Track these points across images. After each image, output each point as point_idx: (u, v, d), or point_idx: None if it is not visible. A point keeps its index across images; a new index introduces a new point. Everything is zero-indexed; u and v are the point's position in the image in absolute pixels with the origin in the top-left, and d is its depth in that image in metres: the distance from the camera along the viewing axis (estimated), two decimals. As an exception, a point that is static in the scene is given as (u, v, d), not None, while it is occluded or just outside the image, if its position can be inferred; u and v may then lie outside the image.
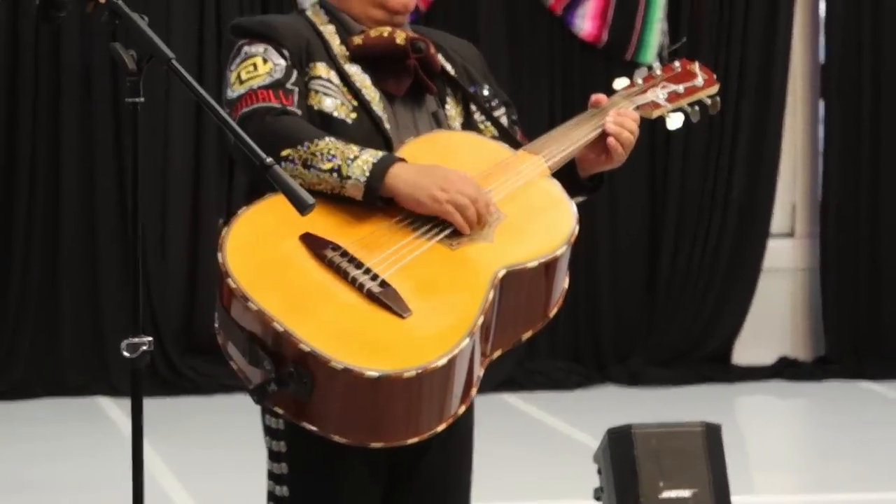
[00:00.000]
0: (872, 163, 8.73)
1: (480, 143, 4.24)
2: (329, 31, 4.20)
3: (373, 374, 3.61)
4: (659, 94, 4.44)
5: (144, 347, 3.40)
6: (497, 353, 4.02)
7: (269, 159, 3.44)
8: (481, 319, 3.79)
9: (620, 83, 4.35)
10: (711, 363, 8.63)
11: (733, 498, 5.17)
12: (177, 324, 7.99)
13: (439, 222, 4.00)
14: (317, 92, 4.10)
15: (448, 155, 3.99)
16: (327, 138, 3.83)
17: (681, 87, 4.51)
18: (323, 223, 3.92)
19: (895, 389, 8.37)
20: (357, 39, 4.18)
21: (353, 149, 3.82)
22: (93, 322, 7.92)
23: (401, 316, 3.78)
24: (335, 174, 3.81)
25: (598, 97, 4.27)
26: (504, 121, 4.29)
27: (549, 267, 4.05)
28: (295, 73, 3.99)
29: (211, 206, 7.74)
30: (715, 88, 4.43)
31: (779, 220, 8.83)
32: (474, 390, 3.95)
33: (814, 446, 7.73)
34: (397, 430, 3.85)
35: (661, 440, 5.16)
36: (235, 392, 4.18)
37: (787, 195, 8.87)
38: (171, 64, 3.43)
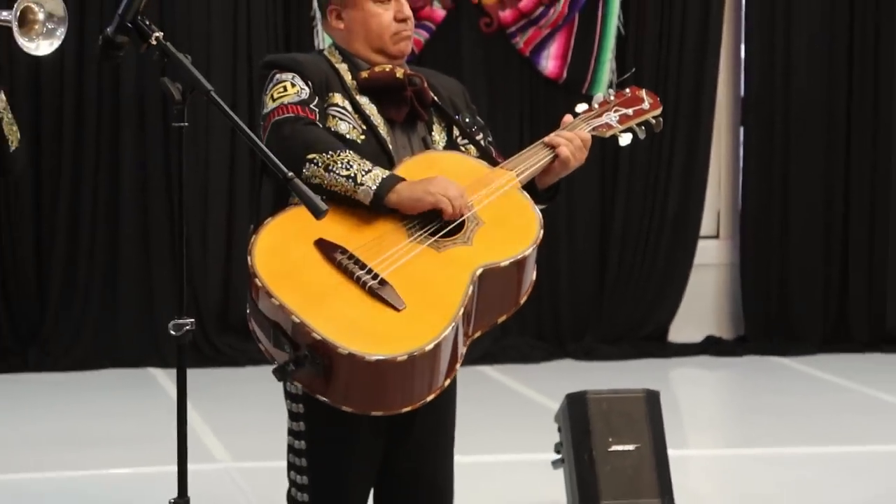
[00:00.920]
0: (782, 178, 8.73)
1: (464, 160, 4.25)
2: (343, 69, 4.25)
3: (372, 358, 3.67)
4: (612, 116, 4.49)
5: (187, 327, 3.46)
6: (478, 334, 4.07)
7: (290, 173, 3.50)
8: (462, 310, 3.82)
9: (581, 108, 4.44)
10: (651, 341, 8.62)
11: (669, 451, 5.16)
12: (215, 308, 7.98)
13: (428, 229, 4.02)
14: (333, 117, 4.16)
15: (438, 170, 3.98)
16: (348, 151, 3.88)
17: (630, 111, 4.54)
18: (333, 230, 3.93)
19: (800, 363, 8.37)
20: (364, 73, 4.22)
21: (367, 164, 3.87)
22: (146, 306, 7.93)
23: (396, 309, 3.82)
24: (351, 180, 3.86)
25: (566, 118, 4.28)
26: (482, 142, 4.29)
27: (519, 264, 4.08)
28: (317, 98, 4.02)
29: (243, 211, 7.74)
30: (659, 110, 4.48)
31: (706, 225, 8.83)
32: (458, 365, 3.96)
33: (735, 409, 7.72)
34: (393, 402, 3.88)
35: (610, 404, 5.17)
36: (263, 364, 4.18)
37: (713, 204, 8.87)
38: (210, 95, 3.44)
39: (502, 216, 4.09)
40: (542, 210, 4.16)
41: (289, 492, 4.32)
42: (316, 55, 4.33)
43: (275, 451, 4.44)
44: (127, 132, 7.95)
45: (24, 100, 7.41)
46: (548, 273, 8.17)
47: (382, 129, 4.15)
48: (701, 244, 8.79)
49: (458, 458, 4.48)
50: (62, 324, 8.01)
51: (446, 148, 4.23)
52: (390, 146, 4.11)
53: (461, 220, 4.01)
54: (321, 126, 3.98)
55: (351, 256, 3.89)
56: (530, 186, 4.20)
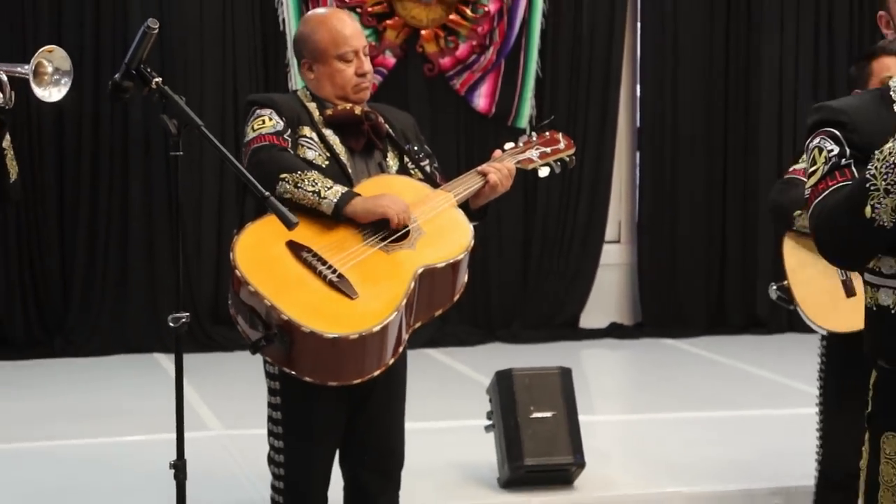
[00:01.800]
0: (671, 193, 8.78)
1: (411, 182, 4.33)
2: (312, 107, 4.30)
3: (329, 335, 3.75)
4: (533, 153, 4.54)
5: (183, 320, 3.45)
6: (419, 324, 4.19)
7: (266, 193, 3.60)
8: (405, 301, 3.92)
9: (509, 145, 4.54)
10: (565, 327, 8.61)
11: (579, 417, 5.18)
12: (208, 303, 7.97)
13: (380, 235, 4.09)
14: (302, 146, 4.23)
15: (389, 190, 4.05)
16: (314, 171, 3.93)
17: (549, 149, 4.60)
18: (301, 233, 4.05)
19: (687, 344, 8.40)
20: (329, 111, 4.26)
21: (329, 182, 3.95)
22: (151, 303, 7.91)
23: (351, 297, 3.91)
24: (316, 195, 3.95)
25: (496, 152, 4.30)
26: (428, 168, 4.40)
27: (453, 267, 4.15)
28: (289, 130, 4.08)
29: (231, 223, 7.71)
30: (572, 150, 4.54)
31: (610, 232, 8.85)
32: (402, 348, 4.10)
33: (634, 382, 7.74)
34: (348, 374, 3.96)
35: (531, 379, 5.19)
36: (248, 350, 4.21)
37: (615, 215, 8.90)
38: (200, 129, 3.47)
39: (440, 228, 4.16)
40: (475, 224, 4.25)
41: (269, 454, 4.34)
42: (291, 95, 4.39)
43: (258, 420, 4.47)
44: (134, 159, 7.93)
45: (51, 133, 7.40)
46: (481, 272, 8.18)
47: (343, 157, 4.22)
48: (605, 248, 8.81)
49: (409, 425, 4.50)
50: (82, 318, 7.96)
51: (398, 172, 4.28)
52: (350, 170, 4.19)
53: (407, 229, 4.07)
54: (292, 153, 4.03)
55: (315, 255, 4.00)
56: (465, 205, 4.27)
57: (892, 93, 2.78)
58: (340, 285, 3.91)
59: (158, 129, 3.52)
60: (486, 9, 8.32)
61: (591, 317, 8.77)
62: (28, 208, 7.69)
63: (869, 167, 2.52)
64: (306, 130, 4.15)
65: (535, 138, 4.52)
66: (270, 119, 4.12)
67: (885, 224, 2.53)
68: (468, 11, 8.31)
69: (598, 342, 8.60)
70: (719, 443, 5.82)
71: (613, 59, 8.64)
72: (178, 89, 7.67)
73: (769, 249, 8.25)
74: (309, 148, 4.13)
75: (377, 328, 3.84)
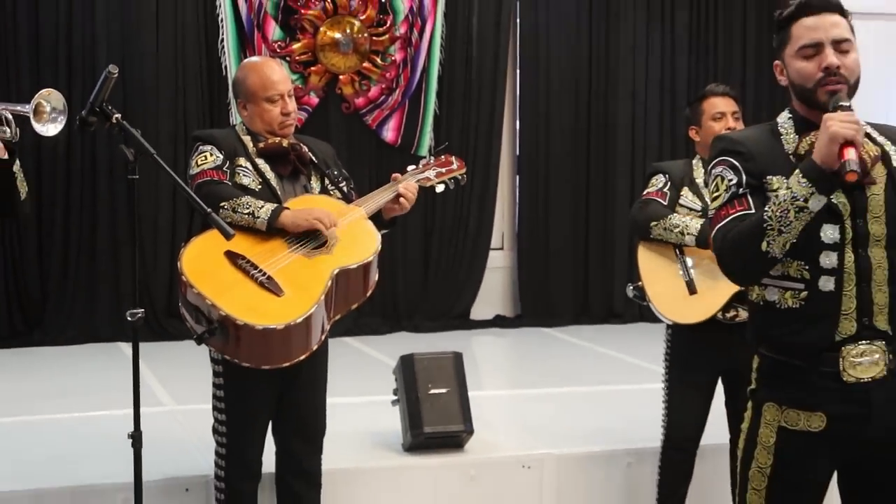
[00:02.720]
0: (544, 210, 8.80)
1: (330, 200, 4.42)
2: (247, 140, 4.30)
3: (259, 327, 3.73)
4: (431, 173, 4.55)
5: (139, 314, 3.41)
6: (337, 317, 4.21)
7: (208, 209, 3.63)
8: (324, 297, 3.96)
9: (411, 167, 4.52)
10: (458, 318, 8.59)
11: (469, 393, 5.17)
12: (161, 301, 7.87)
13: (303, 244, 4.10)
14: (239, 173, 4.23)
15: (312, 206, 4.06)
16: (246, 196, 3.95)
17: (444, 170, 4.61)
18: (237, 244, 4.06)
19: (558, 332, 8.43)
20: (261, 144, 4.25)
21: (261, 202, 3.91)
22: (115, 301, 7.80)
23: (278, 295, 3.87)
24: (250, 215, 3.96)
25: (396, 175, 4.39)
26: (345, 188, 4.46)
27: (365, 268, 4.17)
28: (227, 163, 4.14)
29: (181, 235, 7.64)
30: (464, 170, 4.57)
31: (495, 240, 8.86)
32: (323, 336, 4.11)
33: (514, 363, 7.74)
34: (277, 359, 3.97)
35: (429, 361, 5.18)
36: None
37: (499, 227, 8.91)
38: (153, 157, 3.41)
39: (353, 236, 4.17)
40: (385, 233, 4.30)
41: (213, 426, 4.31)
42: (230, 129, 4.39)
43: (204, 398, 4.44)
44: (100, 182, 7.83)
45: (30, 159, 7.25)
46: (390, 274, 8.14)
47: (273, 181, 4.22)
48: (491, 253, 8.81)
49: (330, 400, 4.49)
50: (56, 314, 7.84)
51: (320, 192, 4.29)
52: (279, 192, 4.20)
53: (325, 239, 4.08)
54: (229, 182, 4.04)
55: (248, 261, 3.99)
56: (379, 217, 4.28)
57: (780, 127, 2.83)
58: (269, 285, 3.90)
59: (120, 156, 3.47)
60: (393, 58, 8.31)
61: (480, 310, 8.76)
62: (9, 224, 7.55)
63: (766, 209, 2.64)
64: (242, 161, 4.15)
65: (432, 161, 4.53)
66: (211, 155, 4.11)
67: (777, 255, 2.67)
68: (378, 60, 8.29)
69: (485, 331, 8.59)
70: (584, 412, 5.85)
71: (497, 99, 8.65)
72: (137, 123, 7.62)
73: (624, 255, 8.32)
74: (244, 175, 4.12)
75: (300, 320, 3.84)
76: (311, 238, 4.03)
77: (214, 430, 4.29)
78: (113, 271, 7.85)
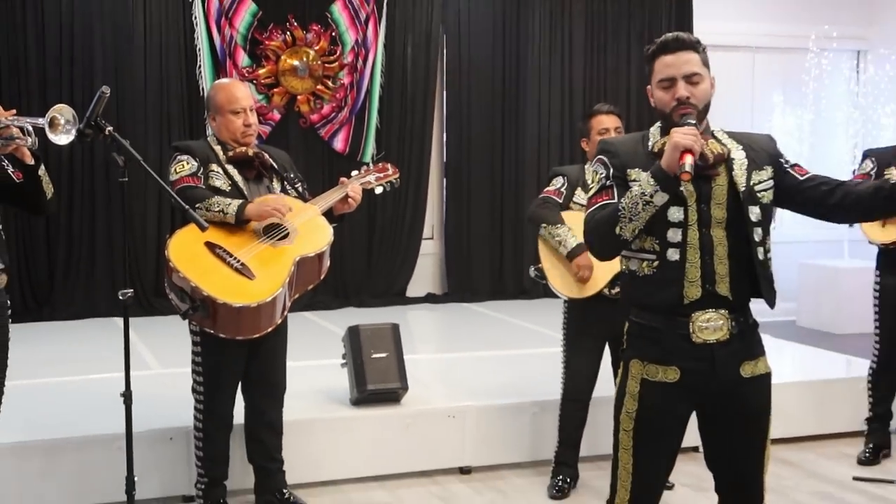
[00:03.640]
0: (467, 206, 8.81)
1: (288, 199, 4.46)
2: (217, 149, 4.30)
3: (235, 305, 3.72)
4: (372, 178, 4.54)
5: (129, 294, 3.38)
6: (297, 295, 4.20)
7: (187, 206, 3.56)
8: (288, 279, 3.95)
9: (354, 173, 4.52)
10: (396, 296, 8.58)
11: (405, 356, 5.18)
12: (150, 283, 7.78)
13: (270, 236, 4.10)
14: (211, 177, 4.21)
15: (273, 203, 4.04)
16: (217, 197, 3.99)
17: (382, 175, 4.62)
18: (215, 236, 4.05)
19: (478, 307, 8.43)
20: (231, 153, 4.24)
21: (228, 201, 3.96)
22: (110, 282, 7.72)
23: (250, 279, 3.85)
24: (221, 212, 3.97)
25: (343, 179, 4.41)
26: (300, 188, 4.47)
27: (320, 256, 4.18)
28: (201, 169, 4.13)
29: (165, 227, 7.58)
30: (398, 175, 4.60)
31: (426, 232, 8.85)
32: (286, 312, 4.05)
33: (443, 332, 7.75)
34: (249, 331, 3.96)
35: (372, 331, 5.18)
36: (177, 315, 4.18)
37: (429, 220, 8.89)
38: (140, 163, 3.40)
39: (310, 229, 4.17)
40: (336, 226, 4.32)
41: (192, 386, 4.29)
42: (203, 141, 4.38)
43: (185, 363, 4.40)
44: (98, 183, 7.75)
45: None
46: (340, 260, 8.14)
47: (241, 183, 4.21)
48: (423, 243, 8.81)
49: (290, 363, 4.47)
50: (62, 294, 7.75)
51: (280, 192, 4.31)
52: (246, 192, 4.22)
53: (287, 231, 4.06)
54: (203, 187, 4.06)
55: (225, 250, 3.96)
56: (330, 214, 4.30)
57: (650, 134, 2.93)
58: (243, 270, 3.90)
59: (113, 161, 3.44)
60: (342, 82, 8.30)
61: (414, 289, 8.76)
62: (21, 217, 7.47)
63: (622, 200, 2.76)
64: (214, 166, 4.15)
65: (372, 167, 4.55)
66: (188, 163, 4.11)
67: (628, 238, 2.78)
68: (329, 83, 8.27)
69: (418, 306, 8.60)
70: (499, 371, 5.88)
71: (427, 115, 8.65)
72: (129, 134, 7.57)
73: (531, 243, 8.33)
74: (217, 178, 4.12)
75: (270, 299, 3.87)
76: (276, 231, 4.04)
77: (193, 390, 4.29)
78: (108, 257, 7.77)
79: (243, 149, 4.19)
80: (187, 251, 3.91)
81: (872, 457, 5.31)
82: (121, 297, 3.38)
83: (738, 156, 2.85)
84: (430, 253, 8.89)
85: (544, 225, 4.64)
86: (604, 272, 4.49)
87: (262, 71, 8.11)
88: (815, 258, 9.37)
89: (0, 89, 7.44)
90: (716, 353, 2.79)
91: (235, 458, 4.46)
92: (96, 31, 7.72)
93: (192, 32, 7.95)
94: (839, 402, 5.73)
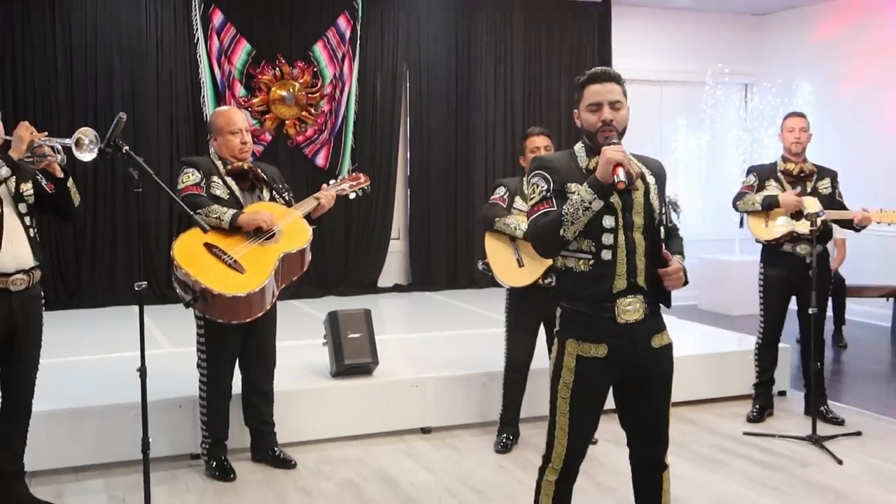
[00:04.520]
0: (427, 212, 8.76)
1: (276, 206, 4.43)
2: (218, 164, 4.25)
3: (230, 295, 3.72)
4: (346, 186, 4.50)
5: (143, 285, 3.36)
6: (284, 285, 4.16)
7: (191, 212, 3.55)
8: (273, 272, 3.91)
9: (332, 181, 4.48)
10: (369, 286, 8.53)
11: (377, 337, 5.16)
12: (163, 276, 7.63)
13: (258, 237, 4.06)
14: (213, 186, 4.15)
15: (260, 210, 4.03)
16: (216, 205, 3.93)
17: (354, 183, 4.58)
18: (213, 238, 4.02)
19: (438, 294, 8.40)
20: (229, 167, 4.18)
21: (224, 209, 3.90)
22: (129, 276, 7.58)
23: (241, 273, 3.83)
24: (218, 219, 3.91)
25: (324, 185, 4.40)
26: (286, 197, 4.39)
27: (301, 252, 4.16)
28: (204, 180, 4.05)
29: (174, 231, 7.46)
30: (368, 183, 4.55)
31: (394, 233, 8.80)
32: (274, 299, 4.04)
33: (409, 316, 7.72)
34: (242, 316, 3.96)
35: (348, 316, 5.16)
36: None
37: (396, 224, 8.83)
38: (152, 177, 3.36)
39: (293, 230, 4.14)
40: (317, 227, 4.30)
41: (197, 362, 4.25)
42: (207, 157, 4.32)
43: (191, 343, 4.35)
44: (118, 193, 7.64)
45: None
46: (321, 255, 8.10)
47: (238, 193, 4.16)
48: (391, 242, 8.74)
49: (279, 343, 4.43)
50: (88, 285, 7.63)
51: (269, 200, 4.28)
52: (241, 200, 4.17)
53: (274, 232, 4.01)
54: (205, 195, 4.00)
55: (220, 250, 3.92)
56: (309, 217, 4.26)
57: (576, 152, 2.94)
58: (235, 266, 3.86)
59: (129, 177, 3.40)
60: (323, 109, 8.24)
61: (384, 280, 8.71)
62: (56, 224, 7.37)
63: (564, 208, 2.76)
64: (215, 178, 4.10)
65: (346, 176, 4.53)
66: (193, 175, 4.06)
67: (570, 239, 2.79)
68: (312, 110, 8.21)
69: (387, 295, 8.56)
70: (454, 348, 5.87)
71: (394, 137, 8.60)
72: (143, 152, 7.47)
73: (480, 241, 8.35)
74: (217, 188, 4.08)
75: (258, 289, 3.82)
76: (264, 233, 4.00)
77: (198, 366, 4.25)
78: (127, 256, 7.67)
79: (240, 164, 4.16)
80: (189, 251, 3.87)
81: (759, 416, 5.37)
82: (136, 289, 3.34)
83: (650, 179, 2.92)
84: (397, 251, 8.86)
85: (497, 219, 4.63)
86: (538, 266, 4.50)
87: (255, 100, 8.04)
88: (712, 253, 9.46)
89: (35, 114, 7.33)
90: (635, 330, 2.84)
91: (234, 422, 4.42)
92: (116, 64, 7.63)
93: (197, 67, 7.87)
94: (731, 371, 5.79)
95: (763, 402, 5.41)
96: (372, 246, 8.59)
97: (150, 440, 3.50)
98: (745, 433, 5.09)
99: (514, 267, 4.56)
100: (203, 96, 7.87)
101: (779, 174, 5.25)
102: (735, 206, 5.30)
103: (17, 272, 3.58)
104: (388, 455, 4.71)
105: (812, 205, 5.05)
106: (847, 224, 5.10)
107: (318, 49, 8.25)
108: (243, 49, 8.01)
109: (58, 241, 7.53)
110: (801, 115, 5.29)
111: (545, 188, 2.84)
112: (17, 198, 3.61)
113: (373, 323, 5.12)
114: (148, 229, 7.65)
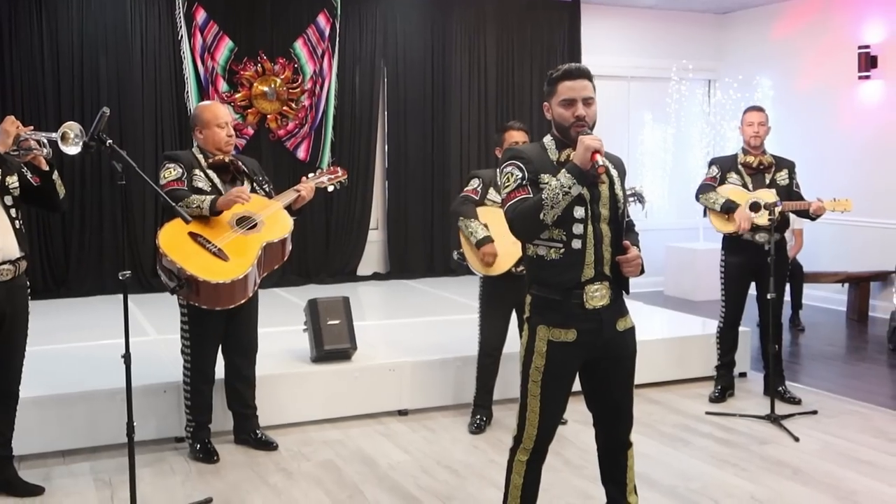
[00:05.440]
0: (404, 203, 8.73)
1: (257, 197, 4.32)
2: (200, 157, 4.21)
3: (214, 281, 3.68)
4: (324, 178, 4.47)
5: (127, 274, 3.33)
6: (266, 273, 4.12)
7: (174, 204, 3.53)
8: (256, 261, 3.89)
9: (311, 174, 4.47)
10: (349, 275, 8.49)
11: (355, 323, 5.15)
12: (148, 266, 7.58)
13: (241, 226, 4.03)
14: (194, 180, 4.11)
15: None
16: (195, 195, 3.89)
17: (332, 176, 4.55)
18: (197, 227, 4.00)
19: (415, 283, 8.39)
20: (211, 160, 4.15)
21: (203, 197, 3.87)
22: (115, 265, 7.49)
23: (225, 261, 3.79)
24: (198, 208, 3.89)
25: (303, 178, 4.39)
26: (267, 188, 4.34)
27: (283, 242, 4.14)
28: (185, 174, 4.03)
29: (158, 221, 7.37)
30: (345, 176, 4.53)
31: (373, 223, 8.76)
32: (256, 287, 4.01)
33: (387, 302, 7.70)
34: (226, 302, 3.93)
35: (327, 303, 5.15)
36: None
37: (375, 214, 8.78)
38: (134, 169, 3.34)
39: (274, 220, 4.11)
40: (298, 218, 4.27)
41: (181, 348, 4.22)
42: (188, 151, 4.28)
43: (175, 330, 4.33)
44: (105, 185, 7.56)
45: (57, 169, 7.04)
46: (303, 244, 8.07)
47: (219, 185, 4.13)
48: (370, 232, 8.71)
49: (261, 329, 4.40)
50: (76, 275, 7.54)
51: (250, 192, 4.20)
52: (223, 192, 4.10)
53: (256, 223, 3.99)
54: (187, 188, 3.95)
55: (205, 238, 3.89)
56: (290, 208, 4.24)
57: (546, 145, 2.93)
58: (219, 254, 3.84)
59: (113, 169, 3.37)
60: (303, 104, 8.18)
61: (363, 269, 8.67)
62: (45, 216, 7.29)
63: (543, 193, 2.74)
64: (197, 171, 4.07)
65: (324, 170, 4.51)
66: (174, 170, 4.03)
67: (549, 223, 2.77)
68: (293, 105, 8.15)
69: (366, 283, 8.53)
70: (429, 333, 5.86)
71: (372, 130, 8.55)
72: (129, 145, 7.41)
73: (455, 232, 8.33)
74: (199, 181, 4.05)
75: (241, 276, 3.80)
76: (247, 223, 3.98)
77: (182, 352, 4.22)
78: (113, 246, 7.58)
79: (221, 157, 4.13)
80: (174, 240, 3.85)
81: (720, 396, 5.41)
82: (121, 278, 3.31)
83: (613, 173, 2.93)
84: (375, 240, 8.83)
85: (462, 218, 4.64)
86: (510, 255, 4.50)
87: (238, 95, 7.98)
88: (677, 241, 9.51)
89: (22, 108, 7.24)
90: (602, 315, 2.85)
91: (217, 406, 4.41)
92: (101, 61, 7.54)
93: (181, 64, 7.80)
94: (694, 353, 5.83)
95: (724, 383, 5.45)
96: (351, 236, 8.56)
97: (136, 424, 3.47)
98: (707, 413, 5.12)
99: (480, 259, 4.57)
100: (187, 92, 7.80)
101: (739, 166, 5.28)
102: (697, 198, 5.33)
103: (4, 263, 3.55)
104: (367, 437, 4.70)
105: (769, 196, 5.09)
106: (803, 213, 5.14)
107: (299, 46, 8.19)
108: (226, 46, 7.94)
109: (46, 232, 7.45)
110: (760, 110, 5.32)
111: (520, 176, 2.83)
112: (3, 190, 3.57)
113: (352, 310, 5.11)
114: (133, 220, 7.59)
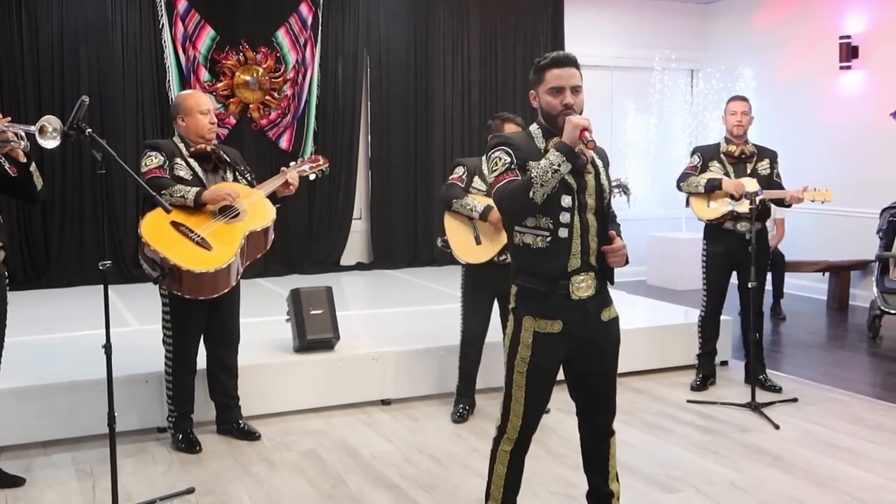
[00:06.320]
0: (387, 193, 8.72)
1: (240, 186, 4.34)
2: (181, 146, 4.18)
3: (197, 271, 3.66)
4: (306, 167, 4.46)
5: (108, 264, 3.31)
6: (248, 262, 4.12)
7: (154, 193, 3.48)
8: (239, 250, 3.87)
9: (293, 163, 4.45)
10: (332, 264, 8.49)
11: (338, 313, 5.15)
12: (130, 255, 7.55)
13: (224, 215, 4.03)
14: (176, 168, 4.09)
15: (223, 186, 3.99)
16: (179, 185, 3.85)
17: (314, 164, 4.54)
18: (179, 216, 4.01)
19: (398, 273, 8.39)
20: (192, 149, 4.12)
21: (188, 187, 3.84)
22: (96, 255, 7.45)
23: (208, 250, 3.78)
24: (182, 198, 3.85)
25: (283, 168, 4.35)
26: (248, 177, 4.31)
27: (265, 231, 4.12)
28: (167, 162, 3.99)
29: (140, 211, 7.34)
30: (327, 164, 4.55)
31: (356, 213, 8.75)
32: (239, 277, 4.01)
33: (368, 293, 7.69)
34: (209, 292, 3.91)
35: (310, 293, 5.13)
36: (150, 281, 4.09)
37: (358, 204, 8.78)
38: (114, 158, 3.31)
39: (257, 209, 4.11)
40: (280, 207, 4.27)
41: (163, 338, 4.21)
42: (170, 140, 4.26)
43: (157, 320, 4.30)
44: (85, 174, 7.52)
45: (37, 159, 6.97)
46: (286, 234, 8.04)
47: (201, 174, 4.11)
48: (353, 222, 8.70)
49: (243, 319, 4.39)
50: (57, 265, 7.51)
51: (232, 181, 4.20)
52: (205, 181, 4.10)
53: (238, 212, 3.98)
54: (168, 177, 3.94)
55: (188, 228, 3.88)
56: (273, 196, 4.23)
57: (533, 133, 2.91)
58: (202, 243, 3.82)
59: (92, 158, 3.35)
60: (286, 93, 8.15)
61: (346, 258, 8.67)
62: (25, 207, 7.23)
63: (533, 170, 2.71)
64: (178, 160, 4.05)
65: (306, 158, 4.49)
66: (156, 158, 4.01)
67: (538, 202, 2.73)
68: (275, 94, 8.12)
69: (350, 272, 8.52)
70: (412, 322, 5.86)
71: (355, 120, 8.53)
72: (111, 135, 7.36)
73: (439, 220, 8.33)
74: (181, 169, 4.02)
75: (224, 266, 3.78)
76: (229, 211, 3.96)
77: (164, 342, 4.20)
78: (94, 236, 7.54)
79: (203, 145, 4.11)
80: (156, 229, 3.82)
81: (702, 384, 5.44)
82: (101, 268, 3.29)
83: (598, 162, 2.93)
84: (359, 230, 8.82)
85: (455, 200, 4.61)
86: (494, 244, 4.50)
87: (220, 84, 7.94)
88: (660, 231, 9.54)
89: (1, 99, 7.18)
90: (587, 306, 2.85)
91: (199, 396, 4.39)
92: (82, 51, 7.49)
93: (163, 53, 7.74)
94: (676, 342, 5.86)
95: (706, 371, 5.48)
96: (334, 225, 8.54)
97: (118, 415, 3.46)
98: (689, 401, 5.15)
99: (472, 244, 4.57)
100: (168, 81, 7.75)
101: (721, 155, 5.30)
102: (679, 187, 5.34)
103: (-19, 253, 3.51)
104: (350, 426, 4.70)
105: (751, 185, 5.11)
106: (780, 202, 5.17)
107: (281, 35, 8.15)
108: (207, 35, 7.89)
109: (26, 222, 7.40)
110: (744, 99, 5.34)
111: (509, 161, 2.82)
112: (-20, 180, 3.54)
113: (335, 299, 5.10)
114: (115, 209, 7.55)
